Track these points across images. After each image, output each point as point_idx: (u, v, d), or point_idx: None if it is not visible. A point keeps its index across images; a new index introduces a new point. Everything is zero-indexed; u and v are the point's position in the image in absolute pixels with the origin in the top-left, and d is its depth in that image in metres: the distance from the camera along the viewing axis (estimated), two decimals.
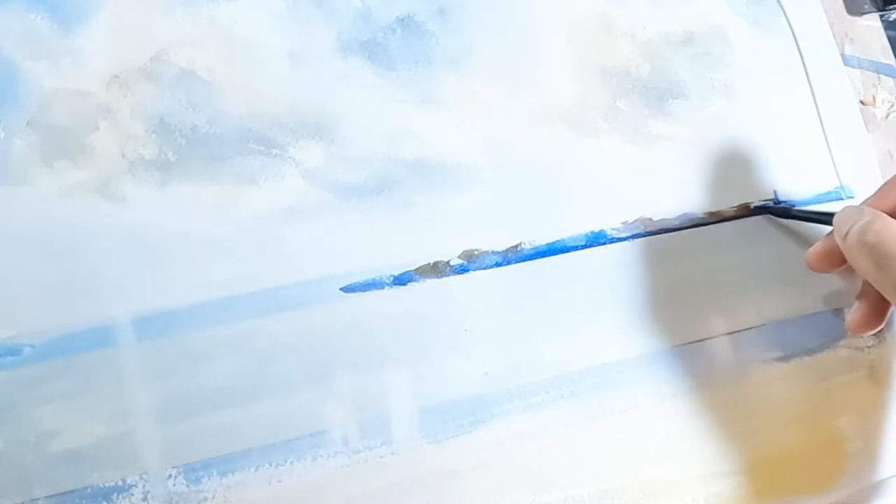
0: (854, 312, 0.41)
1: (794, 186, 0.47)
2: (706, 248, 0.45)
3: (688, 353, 0.43)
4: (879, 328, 0.41)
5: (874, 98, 0.51)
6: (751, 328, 0.45)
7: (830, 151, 0.48)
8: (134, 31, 0.41)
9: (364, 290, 0.40)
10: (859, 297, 0.41)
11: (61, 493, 0.36)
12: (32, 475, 0.36)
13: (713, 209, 0.46)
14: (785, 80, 0.49)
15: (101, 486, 0.36)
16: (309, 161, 0.41)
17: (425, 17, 0.45)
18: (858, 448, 0.44)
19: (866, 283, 0.41)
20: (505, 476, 0.40)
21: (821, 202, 0.47)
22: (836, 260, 0.40)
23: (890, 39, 0.52)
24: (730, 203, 0.46)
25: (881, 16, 0.52)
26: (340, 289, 0.40)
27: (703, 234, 0.45)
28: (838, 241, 0.38)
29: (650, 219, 0.45)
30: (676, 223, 0.45)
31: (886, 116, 0.51)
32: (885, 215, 0.37)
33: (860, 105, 0.50)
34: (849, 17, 0.52)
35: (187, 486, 0.37)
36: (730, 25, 0.49)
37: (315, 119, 0.42)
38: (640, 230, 0.45)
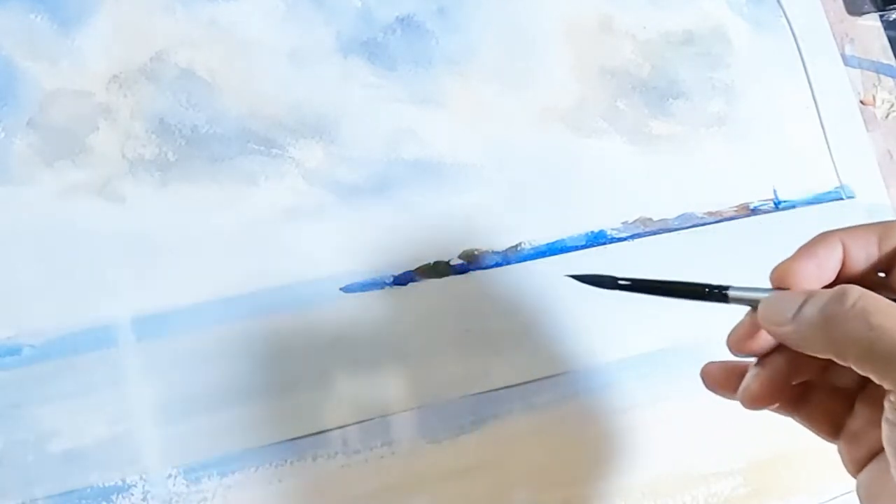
0: (751, 381, 0.30)
1: (794, 186, 0.47)
2: (706, 248, 0.45)
3: (687, 352, 0.43)
4: (775, 405, 0.30)
5: (874, 98, 0.51)
6: None
7: (830, 151, 0.48)
8: (134, 31, 0.41)
9: (364, 290, 0.40)
10: (759, 363, 0.30)
11: (61, 493, 0.36)
12: (32, 475, 0.36)
13: (713, 209, 0.46)
14: (785, 80, 0.49)
15: (101, 486, 0.36)
16: (309, 161, 0.41)
17: (425, 17, 0.45)
18: None
19: (777, 350, 0.29)
20: (505, 476, 0.40)
21: (821, 202, 0.47)
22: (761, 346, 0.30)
23: (890, 39, 0.52)
24: (730, 203, 0.46)
25: (881, 16, 0.52)
26: (340, 289, 0.40)
27: (703, 234, 0.45)
28: (774, 326, 0.28)
29: (650, 219, 0.45)
30: (676, 223, 0.45)
31: (886, 116, 0.51)
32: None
33: (860, 105, 0.50)
34: (849, 17, 0.52)
35: (187, 486, 0.37)
36: (730, 25, 0.49)
37: (315, 119, 0.42)
38: (640, 230, 0.45)
